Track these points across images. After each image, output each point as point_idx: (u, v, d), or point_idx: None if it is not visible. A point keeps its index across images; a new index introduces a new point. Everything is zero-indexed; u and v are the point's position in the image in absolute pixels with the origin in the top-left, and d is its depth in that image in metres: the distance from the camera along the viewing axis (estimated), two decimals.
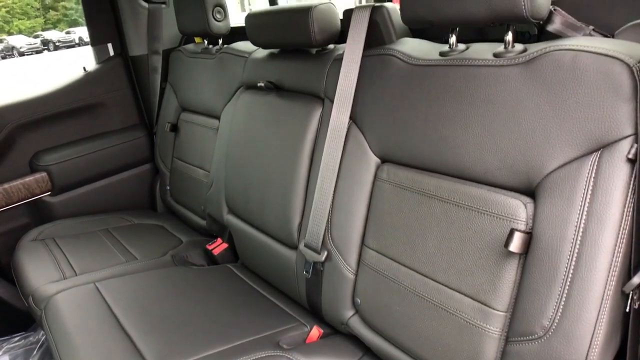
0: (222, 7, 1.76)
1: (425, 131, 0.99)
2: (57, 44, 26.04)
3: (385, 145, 1.09)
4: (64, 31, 28.27)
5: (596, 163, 0.75)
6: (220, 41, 1.85)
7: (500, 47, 0.91)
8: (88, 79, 2.12)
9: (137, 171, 2.24)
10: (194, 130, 1.92)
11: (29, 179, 1.98)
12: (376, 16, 1.15)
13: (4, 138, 1.94)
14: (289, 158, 1.34)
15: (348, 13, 1.20)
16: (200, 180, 1.85)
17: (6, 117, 1.94)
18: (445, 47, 1.01)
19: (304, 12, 1.26)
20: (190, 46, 2.03)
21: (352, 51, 1.16)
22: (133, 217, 2.06)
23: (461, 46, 1.00)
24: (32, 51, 25.95)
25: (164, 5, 2.11)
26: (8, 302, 1.87)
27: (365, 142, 1.13)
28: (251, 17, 1.47)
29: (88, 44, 2.23)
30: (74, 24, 30.86)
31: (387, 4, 1.16)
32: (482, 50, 0.94)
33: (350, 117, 1.17)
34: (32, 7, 32.69)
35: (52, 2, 32.05)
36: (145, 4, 2.11)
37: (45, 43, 26.27)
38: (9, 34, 28.56)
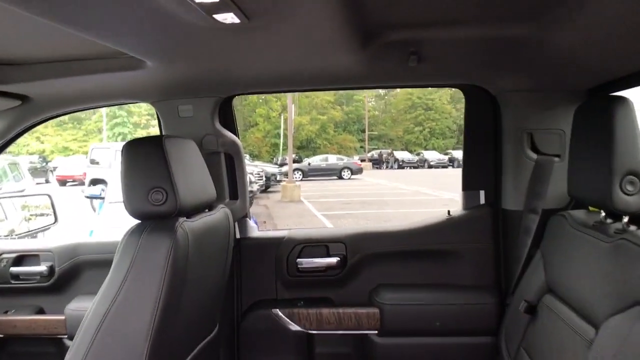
0: (638, 176, 1.24)
1: None
2: (460, 161, 29.36)
3: None
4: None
5: None
6: (626, 219, 1.30)
7: None
8: (449, 224, 1.96)
9: (473, 342, 1.86)
10: (557, 327, 1.39)
11: (361, 310, 1.93)
12: None
13: (356, 262, 1.96)
14: None
15: None
16: None
17: (359, 244, 1.98)
18: None
19: None
20: (579, 213, 1.55)
21: None
22: None
23: None
24: (439, 165, 30.04)
25: (556, 159, 1.73)
26: None
27: None
28: None
29: None
30: None
31: None
32: None
33: None
34: (450, 129, 38.20)
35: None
36: (534, 156, 1.78)
37: (452, 160, 29.96)
38: (425, 149, 34.27)
